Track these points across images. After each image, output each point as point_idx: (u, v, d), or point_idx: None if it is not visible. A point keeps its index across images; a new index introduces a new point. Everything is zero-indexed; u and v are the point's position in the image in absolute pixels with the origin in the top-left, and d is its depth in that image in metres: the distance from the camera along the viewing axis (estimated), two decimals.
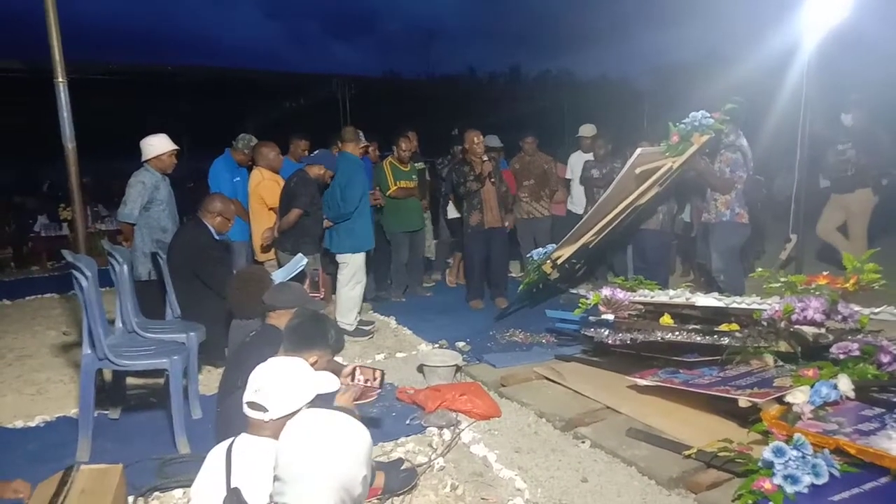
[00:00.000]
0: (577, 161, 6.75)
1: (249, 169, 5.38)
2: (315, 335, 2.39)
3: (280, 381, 1.83)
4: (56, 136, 3.90)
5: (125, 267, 3.58)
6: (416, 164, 6.43)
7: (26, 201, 10.27)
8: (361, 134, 5.44)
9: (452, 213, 6.65)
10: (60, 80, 3.80)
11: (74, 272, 2.98)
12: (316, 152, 5.12)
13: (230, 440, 1.78)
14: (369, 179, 5.78)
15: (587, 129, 6.79)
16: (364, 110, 8.77)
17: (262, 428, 1.77)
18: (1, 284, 7.95)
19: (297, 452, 1.42)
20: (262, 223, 5.08)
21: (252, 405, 1.79)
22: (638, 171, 4.49)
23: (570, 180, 6.82)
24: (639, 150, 4.50)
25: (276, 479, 1.46)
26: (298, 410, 1.78)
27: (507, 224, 6.01)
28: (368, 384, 2.45)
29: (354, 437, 1.48)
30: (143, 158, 4.52)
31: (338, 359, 3.49)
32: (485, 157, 5.57)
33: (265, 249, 5.05)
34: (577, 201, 6.68)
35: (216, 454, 1.76)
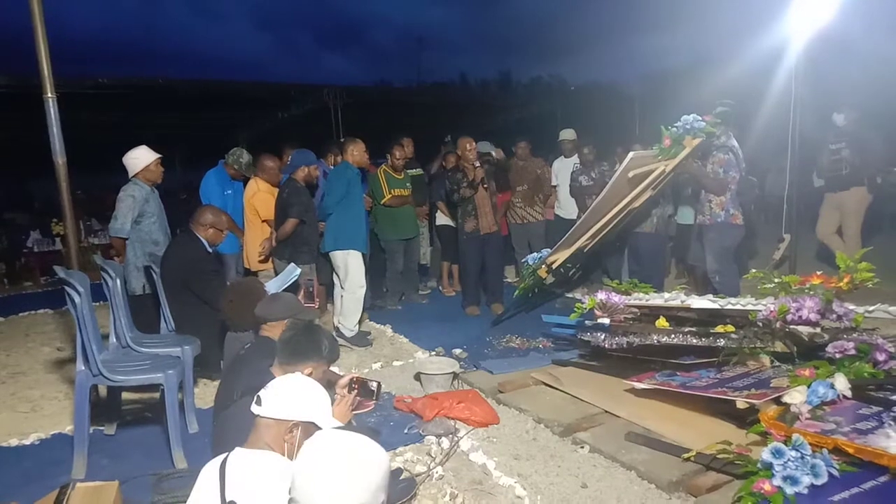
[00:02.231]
0: (560, 167, 6.75)
1: (245, 182, 5.38)
2: (308, 347, 2.38)
3: (288, 387, 1.86)
4: (46, 150, 3.89)
5: (118, 281, 3.56)
6: (412, 171, 6.43)
7: (16, 217, 10.22)
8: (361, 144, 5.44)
9: (441, 219, 6.64)
10: (49, 95, 3.78)
11: (67, 288, 2.96)
12: (289, 159, 5.10)
13: (224, 455, 1.76)
14: (363, 186, 5.79)
15: (568, 134, 6.79)
16: (356, 119, 8.77)
17: (258, 428, 1.78)
18: None
19: (315, 476, 1.42)
20: (255, 234, 5.07)
21: (257, 398, 1.84)
22: (631, 174, 4.51)
23: (555, 186, 6.82)
24: (631, 154, 4.52)
25: (291, 500, 1.46)
26: (288, 422, 1.78)
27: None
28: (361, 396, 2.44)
29: (374, 462, 1.47)
30: (131, 174, 4.50)
31: (334, 368, 3.48)
32: (477, 164, 5.58)
33: (263, 260, 5.04)
34: (564, 206, 6.69)
35: (209, 469, 1.75)
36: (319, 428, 1.89)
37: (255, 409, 1.83)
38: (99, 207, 10.41)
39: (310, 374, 2.27)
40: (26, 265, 9.27)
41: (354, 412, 2.48)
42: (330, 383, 2.74)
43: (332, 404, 2.18)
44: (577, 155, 6.52)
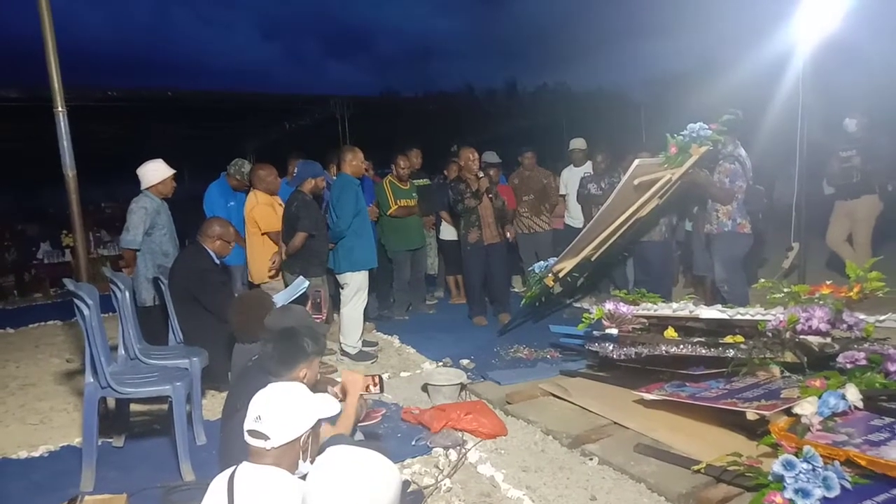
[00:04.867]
0: (569, 176, 6.73)
1: (247, 193, 5.39)
2: (293, 351, 2.37)
3: (280, 408, 1.81)
4: (56, 162, 3.92)
5: (127, 293, 3.58)
6: (420, 181, 6.43)
7: (27, 228, 10.31)
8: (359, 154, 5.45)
9: (447, 234, 6.63)
10: (60, 109, 3.82)
11: (76, 300, 2.98)
12: (296, 170, 5.07)
13: (232, 469, 1.76)
14: (370, 198, 5.79)
15: (578, 143, 6.76)
16: (363, 129, 8.80)
17: (264, 456, 1.76)
18: (4, 312, 7.97)
19: (328, 495, 1.41)
20: (257, 247, 5.05)
21: (253, 433, 1.77)
22: (636, 182, 4.49)
23: (563, 195, 6.80)
24: (637, 162, 4.50)
25: None
26: (300, 437, 1.77)
27: (509, 235, 6.03)
28: (369, 390, 2.45)
29: (386, 478, 1.47)
30: (145, 186, 4.53)
31: (334, 375, 3.48)
32: (480, 174, 5.58)
33: (273, 275, 5.04)
34: (573, 215, 6.67)
35: (218, 483, 1.75)
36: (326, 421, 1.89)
37: (262, 444, 1.76)
38: (108, 218, 10.47)
39: (304, 376, 2.28)
40: (36, 277, 9.35)
41: (361, 423, 2.48)
42: (329, 386, 2.75)
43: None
44: (588, 163, 6.51)
